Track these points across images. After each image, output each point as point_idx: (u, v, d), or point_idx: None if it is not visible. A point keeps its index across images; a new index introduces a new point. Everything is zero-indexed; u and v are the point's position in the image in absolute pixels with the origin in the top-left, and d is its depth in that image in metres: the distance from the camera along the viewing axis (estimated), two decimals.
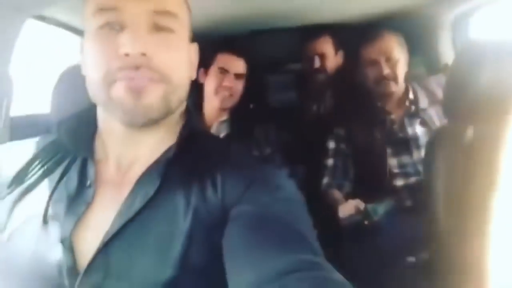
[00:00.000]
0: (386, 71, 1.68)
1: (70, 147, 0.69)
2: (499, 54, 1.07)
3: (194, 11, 0.74)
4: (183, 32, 0.69)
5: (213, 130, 1.68)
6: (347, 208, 1.53)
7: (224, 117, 1.72)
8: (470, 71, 1.12)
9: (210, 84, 1.68)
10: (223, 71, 1.66)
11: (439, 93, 1.73)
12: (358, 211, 1.49)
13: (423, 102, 1.75)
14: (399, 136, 1.72)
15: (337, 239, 1.55)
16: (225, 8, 1.65)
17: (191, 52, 0.74)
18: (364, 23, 1.98)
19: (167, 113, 0.67)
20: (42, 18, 1.30)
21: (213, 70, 1.68)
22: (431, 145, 1.30)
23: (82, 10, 0.67)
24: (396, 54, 1.70)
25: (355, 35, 1.78)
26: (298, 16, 1.87)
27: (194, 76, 0.75)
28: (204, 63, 1.69)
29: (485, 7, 1.75)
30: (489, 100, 1.06)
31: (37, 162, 0.70)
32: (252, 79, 1.74)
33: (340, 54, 1.98)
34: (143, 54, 0.61)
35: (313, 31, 1.95)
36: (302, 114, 2.10)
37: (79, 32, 1.52)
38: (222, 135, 1.67)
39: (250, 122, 1.73)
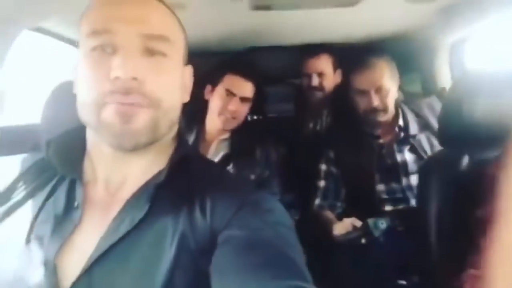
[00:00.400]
0: (376, 102, 1.65)
1: (59, 167, 0.68)
2: (495, 83, 1.08)
3: (194, 28, 0.73)
4: (176, 56, 0.68)
5: (213, 147, 1.66)
6: (343, 226, 1.51)
7: (225, 135, 1.69)
8: (466, 100, 1.12)
9: (214, 104, 1.64)
10: (230, 93, 1.62)
11: (431, 118, 1.75)
12: (355, 228, 1.47)
13: (413, 129, 1.73)
14: (388, 162, 1.70)
15: (329, 257, 1.53)
16: (226, 24, 1.64)
17: (185, 75, 0.73)
18: (363, 43, 2.00)
19: (156, 138, 0.66)
20: (38, 29, 1.28)
21: (220, 90, 1.64)
22: (426, 171, 1.30)
23: (76, 23, 0.66)
24: (386, 84, 1.65)
25: (354, 56, 1.78)
26: (298, 34, 1.87)
27: (187, 99, 0.74)
28: (212, 80, 1.66)
29: (483, 33, 1.76)
30: (485, 129, 1.06)
31: (23, 181, 0.69)
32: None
33: (339, 73, 1.98)
34: (134, 78, 0.60)
35: (313, 48, 1.95)
36: (299, 128, 2.10)
37: (74, 43, 1.50)
38: (222, 153, 1.64)
39: (251, 143, 1.69)
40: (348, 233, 1.48)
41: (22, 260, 0.59)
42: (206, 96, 1.69)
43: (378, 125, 1.73)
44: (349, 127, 1.81)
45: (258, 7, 1.32)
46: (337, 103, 1.97)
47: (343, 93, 1.94)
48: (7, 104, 1.09)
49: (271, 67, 2.12)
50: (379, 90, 1.65)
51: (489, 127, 1.04)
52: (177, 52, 0.69)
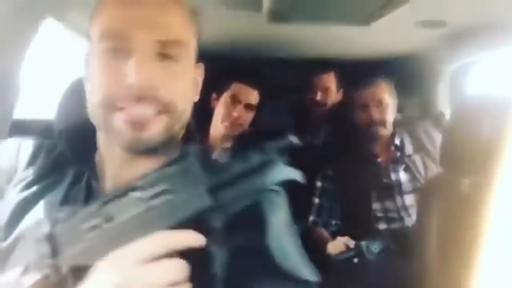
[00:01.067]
0: (376, 115, 1.73)
1: (71, 158, 0.67)
2: (498, 109, 1.11)
3: (207, 34, 0.72)
4: (189, 59, 0.66)
5: (215, 155, 1.66)
6: (337, 246, 1.53)
7: (228, 144, 1.69)
8: (469, 125, 1.15)
9: (219, 111, 1.66)
10: (235, 100, 1.64)
11: (425, 141, 1.82)
12: (348, 248, 1.49)
13: (409, 149, 1.79)
14: (384, 181, 1.74)
15: (322, 275, 1.54)
16: (239, 34, 1.66)
17: (197, 74, 0.72)
18: (368, 63, 2.03)
19: (169, 141, 0.64)
20: (59, 20, 1.28)
21: (225, 97, 1.66)
22: (426, 193, 1.32)
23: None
24: (386, 100, 1.75)
25: (357, 76, 1.82)
26: (304, 49, 1.91)
27: (197, 98, 0.73)
28: (218, 88, 1.67)
29: (486, 61, 1.81)
30: (486, 154, 1.09)
31: (36, 173, 0.68)
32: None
33: (341, 92, 2.02)
34: (149, 86, 0.58)
35: (321, 64, 1.99)
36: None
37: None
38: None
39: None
40: (341, 253, 1.50)
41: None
42: (212, 104, 1.70)
43: (377, 140, 1.77)
44: (347, 145, 1.86)
45: (275, 20, 1.34)
46: (337, 120, 2.00)
47: (343, 111, 1.99)
48: (23, 96, 1.09)
49: (273, 78, 2.14)
50: (379, 104, 1.74)
51: (491, 151, 1.07)
52: (191, 53, 0.67)
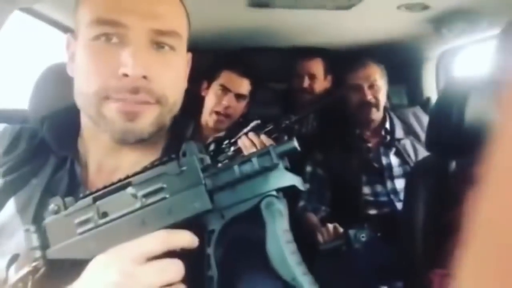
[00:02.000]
0: (369, 97, 1.72)
1: (53, 145, 0.66)
2: (483, 89, 1.10)
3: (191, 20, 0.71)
4: (183, 49, 0.66)
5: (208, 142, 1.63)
6: (326, 233, 1.52)
7: (221, 133, 1.63)
8: (454, 106, 1.13)
9: (209, 100, 1.62)
10: (225, 89, 1.62)
11: (415, 125, 1.82)
12: (336, 236, 1.48)
13: (399, 133, 1.79)
14: (374, 165, 1.74)
15: (311, 260, 1.53)
16: (222, 20, 1.64)
17: (187, 62, 0.72)
18: (353, 50, 2.02)
19: (159, 131, 0.64)
20: (29, 11, 1.25)
21: (215, 86, 1.62)
22: (413, 176, 1.31)
23: (68, 7, 0.63)
24: (379, 81, 1.75)
25: (344, 63, 1.81)
26: (290, 36, 1.89)
27: (186, 86, 0.72)
28: (208, 76, 1.65)
29: (472, 47, 1.81)
30: (472, 135, 1.08)
31: (22, 155, 0.67)
32: None
33: (329, 79, 2.00)
34: (144, 77, 0.58)
35: (307, 51, 1.98)
36: (284, 133, 2.09)
37: (63, 28, 1.47)
38: None
39: None
40: (329, 241, 1.49)
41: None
42: (203, 93, 1.67)
43: (369, 123, 1.77)
44: (339, 130, 1.85)
45: (255, 4, 1.32)
46: (325, 107, 1.98)
47: (332, 98, 1.98)
48: None
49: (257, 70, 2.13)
50: (372, 86, 1.74)
51: (477, 132, 1.06)
52: (184, 44, 0.67)
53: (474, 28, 1.56)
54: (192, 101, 1.59)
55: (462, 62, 1.90)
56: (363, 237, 1.47)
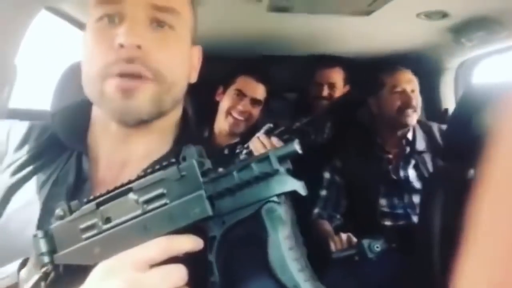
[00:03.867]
0: (414, 101, 1.69)
1: (63, 138, 0.67)
2: (499, 97, 1.08)
3: (208, 26, 0.71)
4: (184, 31, 0.66)
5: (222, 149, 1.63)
6: (339, 242, 1.50)
7: (235, 140, 1.66)
8: (473, 113, 1.12)
9: (224, 105, 1.63)
10: (240, 93, 1.62)
11: (439, 139, 1.75)
12: (350, 245, 1.46)
13: (420, 145, 1.74)
14: (392, 177, 1.71)
15: (323, 270, 1.51)
16: (241, 27, 1.65)
17: (194, 54, 0.72)
18: (371, 59, 2.02)
19: (159, 114, 0.64)
20: (54, 10, 1.28)
21: (230, 91, 1.64)
22: (431, 185, 1.29)
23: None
24: (416, 88, 1.73)
25: (364, 72, 1.80)
26: (307, 44, 1.90)
27: (194, 80, 0.73)
28: (224, 81, 1.66)
29: (491, 57, 1.79)
30: (491, 142, 1.06)
31: (29, 153, 0.67)
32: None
33: (347, 88, 1.99)
34: (138, 47, 0.58)
35: (328, 59, 1.98)
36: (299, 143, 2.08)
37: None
38: None
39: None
40: (342, 250, 1.47)
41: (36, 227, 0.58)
42: (217, 97, 1.68)
43: (407, 127, 1.73)
44: (360, 138, 1.82)
45: (275, 9, 1.33)
46: (344, 115, 1.98)
47: (350, 106, 1.97)
48: (18, 85, 1.08)
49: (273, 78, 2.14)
50: (414, 91, 1.71)
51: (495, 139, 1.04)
52: (185, 27, 0.66)
53: (494, 38, 1.54)
54: (207, 108, 1.62)
55: (482, 73, 1.88)
56: (377, 247, 1.43)
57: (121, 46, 0.58)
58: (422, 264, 1.25)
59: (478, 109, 1.11)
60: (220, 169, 0.49)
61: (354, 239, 1.49)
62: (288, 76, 2.15)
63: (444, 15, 1.45)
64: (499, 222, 0.23)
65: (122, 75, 0.59)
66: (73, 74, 1.07)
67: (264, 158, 0.46)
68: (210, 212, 0.47)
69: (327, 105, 1.96)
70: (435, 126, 1.82)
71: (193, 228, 0.48)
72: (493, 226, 0.24)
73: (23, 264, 0.53)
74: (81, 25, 1.45)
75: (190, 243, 0.47)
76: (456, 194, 1.17)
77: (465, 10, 1.42)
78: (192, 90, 0.72)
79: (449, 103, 2.04)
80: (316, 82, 1.97)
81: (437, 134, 1.78)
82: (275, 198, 0.46)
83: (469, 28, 1.55)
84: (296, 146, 0.46)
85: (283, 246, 0.45)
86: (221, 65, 1.55)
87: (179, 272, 0.46)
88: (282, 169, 0.46)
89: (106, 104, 0.61)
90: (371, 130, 1.81)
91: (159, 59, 0.61)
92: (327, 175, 1.81)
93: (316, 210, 1.77)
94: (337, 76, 1.95)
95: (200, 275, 0.47)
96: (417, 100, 1.71)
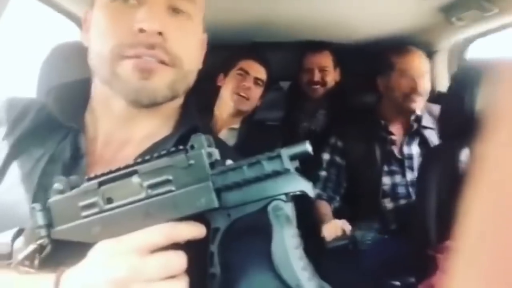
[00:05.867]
0: (421, 86, 1.64)
1: (59, 115, 0.66)
2: (495, 74, 1.07)
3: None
4: (198, 19, 0.68)
5: (222, 136, 1.63)
6: (332, 230, 1.48)
7: (235, 125, 1.69)
8: (466, 90, 1.11)
9: (228, 86, 1.67)
10: (244, 72, 1.66)
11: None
12: (343, 234, 1.45)
13: (427, 121, 1.72)
14: (396, 156, 1.70)
15: (320, 256, 1.50)
16: (227, 17, 1.64)
17: (203, 42, 0.73)
18: (361, 44, 2.01)
19: (172, 98, 0.65)
20: None
21: (233, 72, 1.68)
22: (426, 164, 1.29)
23: None
24: (427, 69, 1.69)
25: (353, 55, 1.78)
26: (297, 31, 1.88)
27: (200, 66, 0.73)
28: (225, 68, 1.70)
29: (484, 38, 1.77)
30: (485, 120, 1.04)
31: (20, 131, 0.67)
32: None
33: (338, 71, 1.99)
34: (160, 33, 0.59)
35: (315, 44, 1.97)
36: (292, 131, 2.07)
37: (70, 15, 1.48)
38: (230, 143, 1.61)
39: (259, 135, 1.67)
40: (335, 239, 1.47)
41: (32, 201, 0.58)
42: (219, 83, 1.71)
43: (412, 113, 1.69)
44: (361, 119, 1.80)
45: None
46: (337, 100, 1.97)
47: (343, 91, 1.97)
48: None
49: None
50: (423, 76, 1.66)
51: (489, 117, 1.03)
52: (200, 14, 0.68)
53: (485, 16, 1.52)
54: (206, 96, 1.61)
55: (475, 54, 1.86)
56: (369, 239, 1.50)
57: (142, 31, 0.58)
58: (419, 245, 1.24)
59: (472, 86, 1.10)
60: (229, 161, 0.49)
61: (348, 227, 1.48)
62: (281, 64, 2.13)
63: None
64: (493, 208, 0.22)
65: (140, 58, 0.59)
66: (59, 55, 1.05)
67: (276, 156, 0.46)
68: (216, 204, 0.47)
69: (320, 91, 1.95)
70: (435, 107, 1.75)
71: (196, 217, 0.48)
72: (487, 212, 0.23)
73: (18, 234, 0.53)
74: (62, 9, 1.42)
75: (193, 231, 0.47)
76: (451, 173, 1.17)
77: None
78: None
79: (443, 85, 2.02)
80: (307, 68, 1.96)
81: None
82: (282, 197, 0.46)
83: (459, 7, 1.53)
84: (308, 147, 0.46)
85: (288, 245, 0.45)
86: (215, 53, 1.54)
87: (179, 260, 0.46)
88: (292, 168, 0.46)
89: (119, 84, 0.61)
90: (375, 110, 1.78)
91: (178, 46, 0.62)
92: (326, 156, 1.79)
93: (316, 191, 1.74)
94: (327, 60, 1.95)
95: (200, 263, 0.47)
96: (425, 85, 1.66)
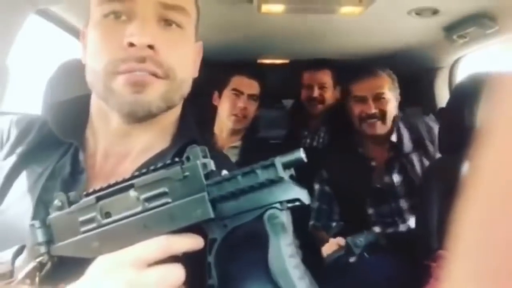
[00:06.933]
0: (373, 110, 1.59)
1: (59, 132, 0.67)
2: (495, 88, 1.08)
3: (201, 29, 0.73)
4: (190, 29, 0.67)
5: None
6: (329, 247, 1.52)
7: (236, 143, 1.71)
8: (466, 103, 1.12)
9: (223, 106, 1.68)
10: (237, 92, 1.67)
11: (425, 136, 1.66)
12: (339, 247, 1.48)
13: (407, 146, 1.65)
14: (377, 186, 1.64)
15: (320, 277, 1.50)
16: (233, 29, 1.67)
17: (196, 50, 0.73)
18: (363, 61, 2.03)
19: (167, 109, 0.65)
20: (44, 13, 1.29)
21: (227, 92, 1.69)
22: (427, 176, 1.29)
23: (83, 8, 0.66)
24: (387, 94, 1.61)
25: (357, 67, 1.80)
26: (297, 46, 1.92)
27: (196, 75, 0.73)
28: (219, 86, 1.71)
29: (485, 55, 1.79)
30: (486, 134, 1.06)
31: (21, 146, 0.68)
32: None
33: (338, 89, 1.99)
34: (150, 46, 0.59)
35: (315, 62, 1.99)
36: (295, 148, 2.07)
37: (77, 32, 1.52)
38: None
39: (260, 153, 1.67)
40: (333, 252, 1.50)
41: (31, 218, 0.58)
42: (215, 102, 1.73)
43: (372, 138, 1.66)
44: (344, 147, 1.76)
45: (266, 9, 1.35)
46: (336, 119, 1.96)
47: (342, 109, 1.97)
48: (10, 86, 1.09)
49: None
50: (377, 98, 1.61)
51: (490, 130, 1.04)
52: (192, 24, 0.68)
53: (486, 33, 1.55)
54: (204, 114, 1.64)
55: (475, 69, 1.87)
56: (360, 241, 1.47)
57: (132, 45, 0.58)
58: (422, 259, 1.23)
59: (471, 100, 1.11)
60: (224, 172, 0.49)
61: (343, 240, 1.50)
62: (283, 82, 2.16)
63: (434, 11, 1.46)
64: (489, 217, 0.23)
65: (132, 72, 0.59)
66: (65, 72, 1.08)
67: (270, 164, 0.46)
68: (212, 214, 0.47)
69: (321, 114, 1.97)
70: (420, 122, 1.72)
71: (193, 228, 0.48)
72: (483, 220, 0.24)
73: (18, 252, 0.53)
74: (70, 28, 1.46)
75: (190, 243, 0.47)
76: (452, 187, 1.16)
77: (456, 6, 1.43)
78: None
79: (444, 102, 2.03)
80: (306, 84, 1.98)
81: (424, 130, 1.68)
82: (277, 205, 0.46)
83: (460, 24, 1.55)
84: (302, 154, 0.46)
85: (284, 253, 0.45)
86: (212, 69, 1.57)
87: (177, 272, 0.46)
88: (286, 176, 0.46)
89: (114, 99, 0.61)
90: (354, 138, 1.74)
91: (169, 58, 0.61)
92: (316, 186, 1.78)
93: (311, 222, 1.76)
94: (326, 77, 1.96)
95: (198, 275, 0.47)
96: (383, 107, 1.59)
